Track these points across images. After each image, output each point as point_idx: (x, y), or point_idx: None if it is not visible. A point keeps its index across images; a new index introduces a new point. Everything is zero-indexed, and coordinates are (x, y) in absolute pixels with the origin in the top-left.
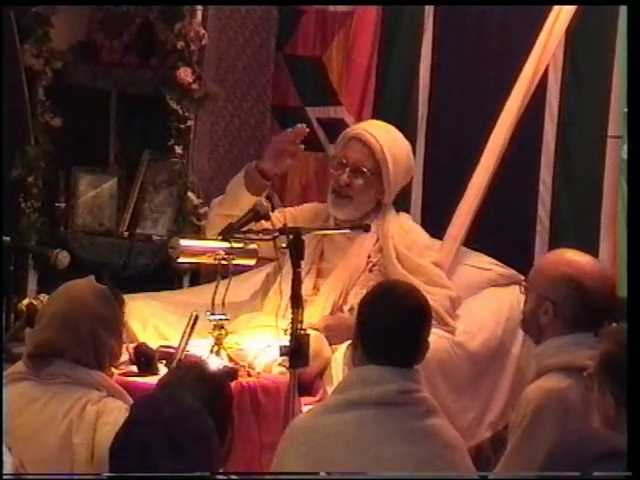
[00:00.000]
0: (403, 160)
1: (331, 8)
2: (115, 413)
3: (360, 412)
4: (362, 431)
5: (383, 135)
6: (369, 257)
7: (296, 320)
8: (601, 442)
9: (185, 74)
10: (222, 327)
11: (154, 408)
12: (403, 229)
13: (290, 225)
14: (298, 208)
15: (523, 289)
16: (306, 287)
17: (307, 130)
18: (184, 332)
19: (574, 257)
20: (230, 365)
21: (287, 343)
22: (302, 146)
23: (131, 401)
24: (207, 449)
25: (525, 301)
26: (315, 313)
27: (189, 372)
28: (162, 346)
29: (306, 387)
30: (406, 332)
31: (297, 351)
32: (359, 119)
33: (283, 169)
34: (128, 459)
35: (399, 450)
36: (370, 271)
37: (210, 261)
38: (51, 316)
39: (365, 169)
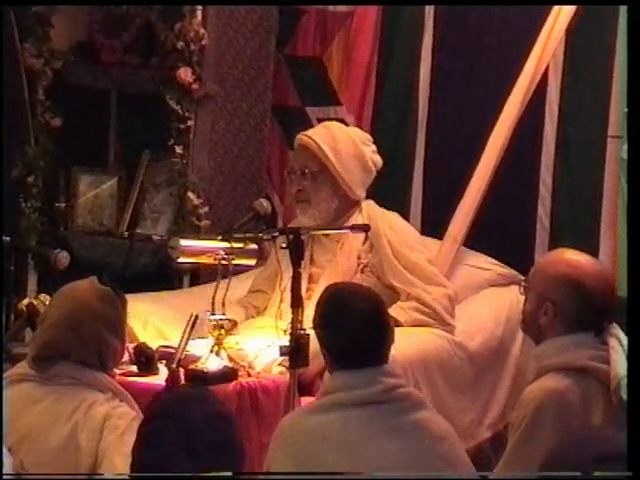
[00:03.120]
0: (346, 149)
1: (331, 8)
2: (124, 419)
3: (345, 412)
4: (347, 430)
5: (318, 132)
6: (359, 258)
7: (296, 320)
8: (602, 444)
9: (185, 74)
10: (222, 327)
11: (181, 405)
12: (392, 227)
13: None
14: None
15: (522, 289)
16: None
17: None
18: (184, 332)
19: (573, 257)
20: (230, 365)
21: (287, 343)
22: None
23: (135, 404)
24: (226, 457)
25: (524, 302)
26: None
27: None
28: (162, 346)
29: (306, 387)
30: (377, 332)
31: (297, 351)
32: (359, 119)
33: None
34: (145, 450)
35: (386, 447)
36: (362, 272)
37: (210, 261)
38: (55, 318)
39: (307, 170)
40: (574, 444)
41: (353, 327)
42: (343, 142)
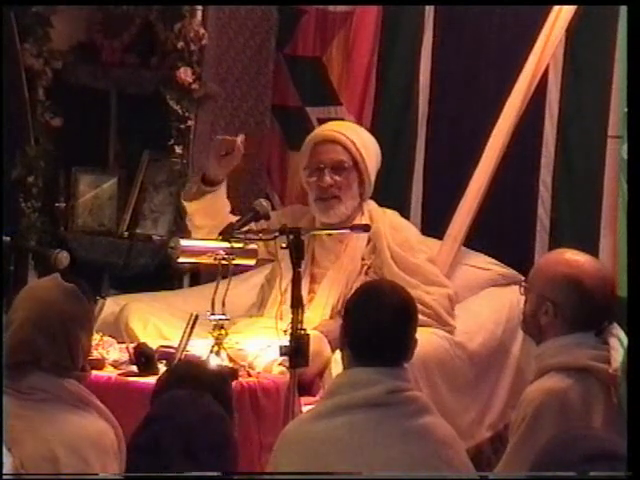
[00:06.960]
0: (372, 148)
1: (331, 8)
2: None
3: (350, 416)
4: (353, 435)
5: (346, 129)
6: (363, 259)
7: (296, 320)
8: (590, 443)
9: (185, 74)
10: (222, 327)
11: (176, 408)
12: (393, 227)
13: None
14: (282, 212)
15: (522, 290)
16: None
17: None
18: (184, 332)
19: (573, 257)
20: (230, 365)
21: (287, 343)
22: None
23: (109, 414)
24: (223, 456)
25: (525, 302)
26: (314, 319)
27: (190, 370)
28: (162, 346)
29: (306, 387)
30: (391, 331)
31: (297, 351)
32: (359, 119)
33: (228, 170)
34: (143, 456)
35: (392, 451)
36: (366, 274)
37: (210, 261)
38: (21, 322)
39: (346, 164)
40: (562, 444)
41: (377, 328)
42: (368, 139)
